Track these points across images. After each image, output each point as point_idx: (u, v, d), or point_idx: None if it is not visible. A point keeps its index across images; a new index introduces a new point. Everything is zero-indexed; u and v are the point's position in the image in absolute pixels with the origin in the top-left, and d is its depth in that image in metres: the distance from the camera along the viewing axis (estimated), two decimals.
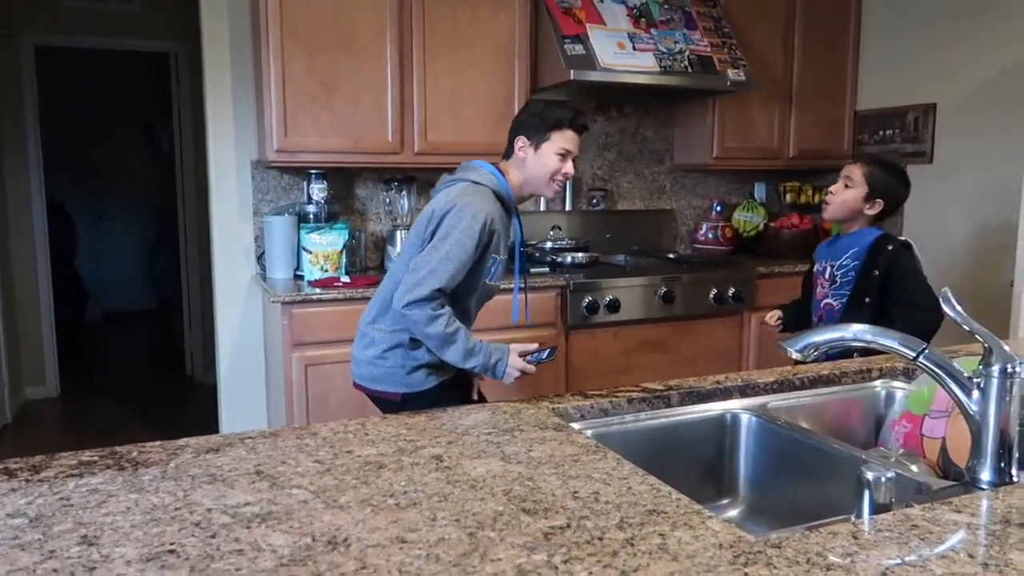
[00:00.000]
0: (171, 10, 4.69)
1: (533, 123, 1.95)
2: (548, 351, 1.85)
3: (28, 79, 4.58)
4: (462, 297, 1.91)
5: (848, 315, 2.21)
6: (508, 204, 1.97)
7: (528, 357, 1.84)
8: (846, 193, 2.23)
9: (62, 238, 6.36)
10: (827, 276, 2.32)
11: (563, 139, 1.94)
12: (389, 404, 1.93)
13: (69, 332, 5.60)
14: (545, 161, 1.95)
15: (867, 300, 2.16)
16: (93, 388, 5.11)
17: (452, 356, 1.81)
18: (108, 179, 7.34)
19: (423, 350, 1.89)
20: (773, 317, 2.51)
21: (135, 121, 7.08)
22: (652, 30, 3.37)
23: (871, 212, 2.22)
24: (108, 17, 4.76)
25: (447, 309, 1.80)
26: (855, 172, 2.22)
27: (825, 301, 2.31)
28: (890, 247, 2.17)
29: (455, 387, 2.00)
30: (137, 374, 5.66)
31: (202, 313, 5.10)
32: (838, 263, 2.29)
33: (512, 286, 2.16)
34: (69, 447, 4.00)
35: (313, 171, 3.17)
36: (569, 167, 1.97)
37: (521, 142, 1.96)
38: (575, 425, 1.36)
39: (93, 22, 4.73)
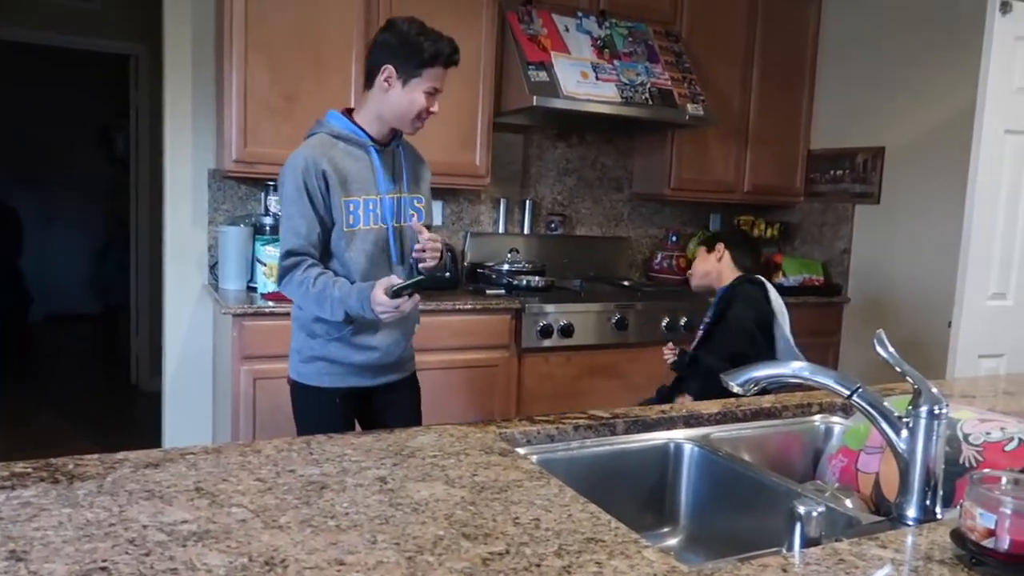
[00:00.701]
0: (133, 11, 4.62)
1: (403, 54, 1.80)
2: (412, 281, 1.72)
3: None
4: (340, 253, 1.85)
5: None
6: (356, 140, 1.85)
7: (394, 288, 1.70)
8: (694, 266, 2.66)
9: (6, 237, 6.18)
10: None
11: (434, 76, 1.82)
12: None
13: (8, 335, 5.42)
14: (413, 98, 1.82)
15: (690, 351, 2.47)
16: (32, 393, 4.95)
17: (327, 310, 1.78)
18: (59, 180, 7.16)
19: (321, 341, 1.88)
20: (669, 349, 2.53)
21: (90, 122, 6.93)
22: (615, 61, 3.44)
23: (722, 262, 2.55)
24: (68, 14, 4.67)
25: (303, 267, 1.79)
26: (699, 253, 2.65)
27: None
28: (734, 286, 2.47)
29: (347, 402, 1.94)
30: (79, 379, 5.50)
31: (150, 320, 4.99)
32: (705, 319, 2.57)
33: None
34: (5, 452, 3.85)
35: (271, 182, 3.15)
36: (436, 104, 1.86)
37: (387, 72, 1.81)
38: (521, 450, 1.37)
39: (52, 18, 4.64)
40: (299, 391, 1.98)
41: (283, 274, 1.83)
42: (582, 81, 3.29)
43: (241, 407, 2.76)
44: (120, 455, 1.20)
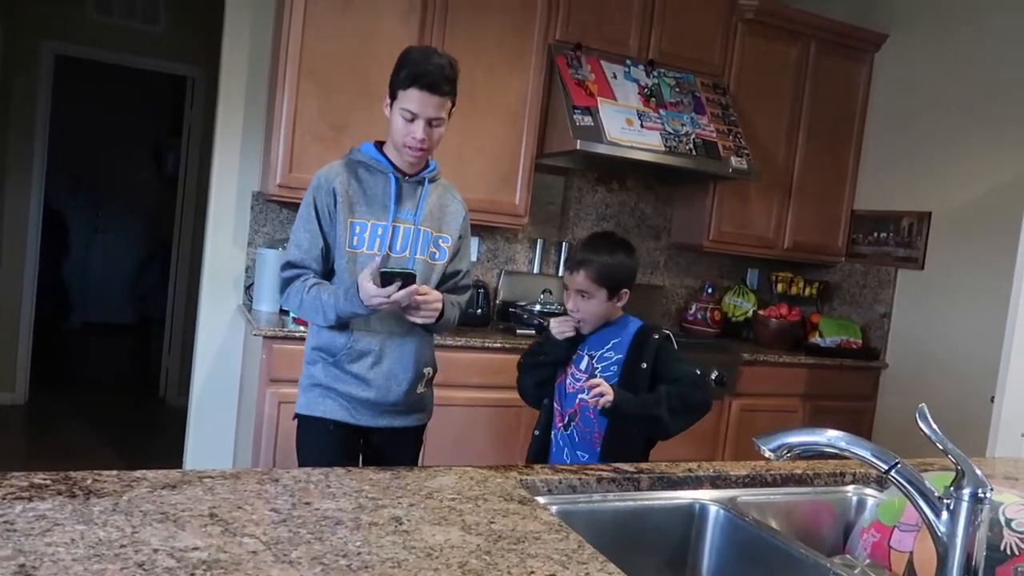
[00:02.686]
0: (194, 35, 4.77)
1: (390, 78, 1.79)
2: (401, 270, 1.68)
3: (44, 86, 4.63)
4: (342, 272, 1.86)
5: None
6: (378, 167, 1.86)
7: (380, 271, 1.67)
8: (589, 306, 1.93)
9: (55, 245, 6.35)
10: (582, 368, 1.98)
11: (408, 99, 1.74)
12: None
13: (46, 339, 5.53)
14: (394, 123, 1.79)
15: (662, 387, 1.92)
16: (62, 398, 5.02)
17: (320, 316, 1.79)
18: (110, 192, 7.36)
19: (319, 367, 1.89)
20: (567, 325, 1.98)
21: (144, 139, 7.14)
22: (661, 110, 3.44)
23: (621, 303, 1.99)
24: (132, 35, 4.84)
25: (300, 279, 1.82)
26: (582, 282, 1.91)
27: (580, 396, 1.95)
28: (655, 336, 1.98)
29: (345, 434, 1.89)
30: (109, 389, 5.58)
31: (183, 335, 5.05)
32: (598, 354, 1.97)
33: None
34: (28, 457, 3.89)
35: None
36: (417, 130, 1.76)
37: (386, 99, 1.82)
38: (541, 499, 1.34)
39: (117, 38, 4.80)
40: (300, 423, 1.95)
41: (283, 286, 1.88)
42: (627, 128, 3.29)
43: (264, 430, 2.75)
44: (138, 473, 1.20)
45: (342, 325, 1.85)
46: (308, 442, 1.92)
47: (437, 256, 1.94)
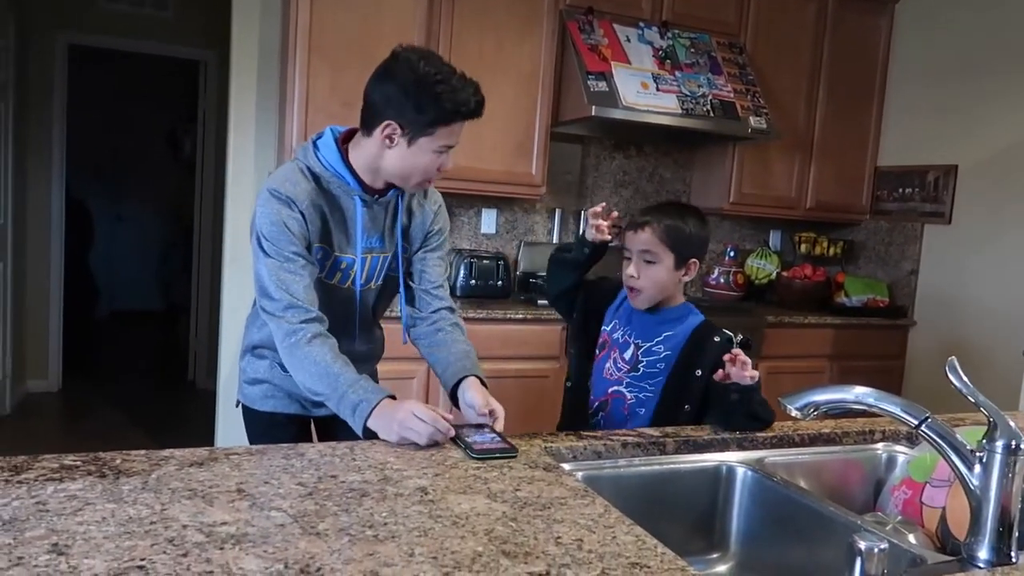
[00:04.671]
0: (204, 19, 4.76)
1: (412, 107, 1.45)
2: (500, 445, 1.30)
3: (60, 76, 4.65)
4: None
5: (657, 423, 1.66)
6: (340, 185, 1.55)
7: (467, 437, 1.31)
8: (652, 272, 1.67)
9: (79, 235, 6.42)
10: (627, 357, 1.73)
11: (449, 134, 1.49)
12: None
13: (75, 327, 5.62)
14: (418, 160, 1.50)
15: (686, 408, 1.65)
16: (94, 385, 5.11)
17: (318, 383, 1.46)
18: (130, 180, 7.42)
19: (265, 364, 1.68)
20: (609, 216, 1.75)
21: (160, 125, 7.17)
22: (677, 72, 3.38)
23: (688, 278, 1.72)
24: (142, 21, 4.84)
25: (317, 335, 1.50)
26: (650, 242, 1.67)
27: (614, 388, 1.73)
28: (716, 339, 1.68)
29: (294, 421, 1.72)
30: (139, 374, 5.66)
31: (209, 319, 5.11)
32: (646, 346, 1.72)
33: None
34: (64, 443, 3.96)
35: None
36: (448, 161, 1.54)
37: (389, 129, 1.47)
38: (566, 466, 1.34)
39: (128, 25, 4.80)
40: (246, 412, 1.77)
41: (292, 348, 1.53)
42: (642, 92, 3.24)
43: None
44: (166, 452, 1.21)
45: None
46: (258, 432, 1.75)
47: (404, 265, 1.70)
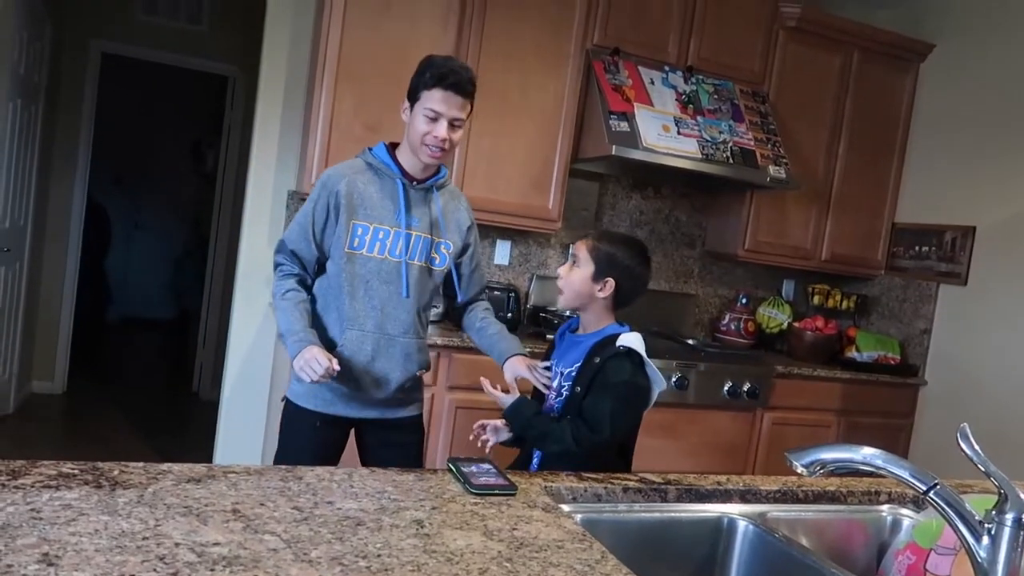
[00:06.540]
0: (236, 35, 4.84)
1: (412, 81, 1.86)
2: (499, 481, 1.32)
3: (91, 83, 4.73)
4: (336, 272, 1.89)
5: None
6: (386, 171, 1.90)
7: (465, 468, 1.35)
8: (572, 274, 1.81)
9: (97, 239, 6.48)
10: (555, 384, 1.85)
11: (431, 99, 1.80)
12: None
13: (85, 331, 5.64)
14: (415, 124, 1.83)
15: (568, 418, 1.74)
16: (98, 389, 5.12)
17: (278, 317, 1.89)
18: (151, 188, 7.50)
19: None
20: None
21: (185, 137, 7.25)
22: (699, 117, 3.40)
23: (602, 295, 1.77)
24: (177, 34, 4.93)
25: (279, 274, 1.91)
26: (581, 249, 1.82)
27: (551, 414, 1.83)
28: (611, 351, 1.73)
29: (331, 430, 1.93)
30: (145, 382, 5.67)
31: (218, 331, 5.12)
32: (567, 371, 1.81)
33: None
34: (65, 446, 3.96)
35: None
36: (440, 130, 1.80)
37: (405, 104, 1.88)
38: (565, 507, 1.32)
39: (162, 37, 4.89)
40: (287, 409, 1.98)
41: (274, 267, 1.97)
42: (663, 134, 3.26)
43: None
44: (164, 466, 1.20)
45: (336, 321, 1.91)
46: (292, 429, 1.96)
47: (437, 262, 1.97)
